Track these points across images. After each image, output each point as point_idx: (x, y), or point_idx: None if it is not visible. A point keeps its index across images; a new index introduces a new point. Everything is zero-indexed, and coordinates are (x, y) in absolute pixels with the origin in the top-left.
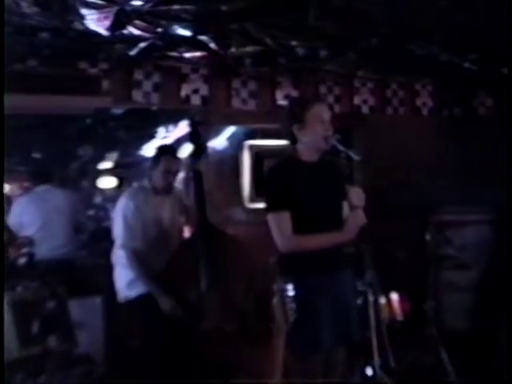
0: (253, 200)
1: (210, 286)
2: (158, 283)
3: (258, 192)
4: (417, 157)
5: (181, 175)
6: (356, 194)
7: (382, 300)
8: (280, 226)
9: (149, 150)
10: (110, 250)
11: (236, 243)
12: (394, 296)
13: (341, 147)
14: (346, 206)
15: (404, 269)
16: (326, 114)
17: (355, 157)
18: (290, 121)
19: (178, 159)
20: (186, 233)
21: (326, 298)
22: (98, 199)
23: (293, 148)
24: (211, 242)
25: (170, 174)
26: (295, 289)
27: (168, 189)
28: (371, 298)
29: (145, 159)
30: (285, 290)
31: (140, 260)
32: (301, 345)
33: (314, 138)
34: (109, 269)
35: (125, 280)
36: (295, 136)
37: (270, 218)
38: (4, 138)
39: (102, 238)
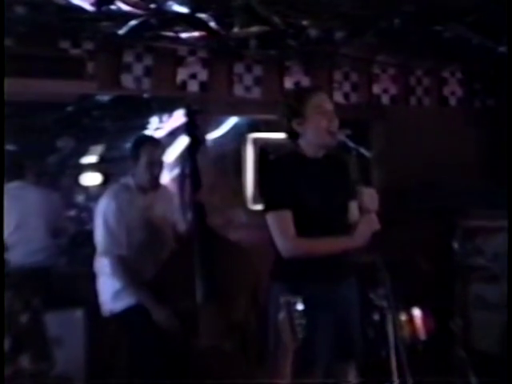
0: (257, 201)
1: (207, 299)
2: (149, 291)
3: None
4: (443, 154)
5: (175, 172)
6: (369, 196)
7: (403, 316)
8: (282, 227)
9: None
10: (93, 256)
11: (238, 249)
12: (417, 312)
13: (350, 143)
14: (353, 208)
15: (428, 281)
16: (328, 104)
17: (367, 153)
18: (287, 116)
19: (161, 148)
20: (180, 237)
21: (326, 310)
22: (80, 198)
23: (294, 143)
24: (209, 248)
25: (154, 165)
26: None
27: (154, 184)
28: (389, 314)
29: None
30: (293, 304)
31: (126, 268)
32: (296, 362)
33: (316, 133)
34: (92, 278)
35: (110, 291)
36: (295, 132)
37: (270, 217)
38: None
39: (85, 242)
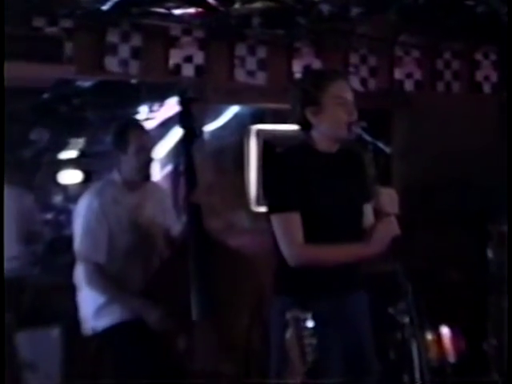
0: (261, 202)
1: (204, 315)
2: (134, 294)
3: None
4: (474, 148)
5: (167, 169)
6: (388, 197)
7: (429, 335)
8: (288, 231)
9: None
10: (72, 265)
11: (239, 258)
12: (445, 331)
13: (367, 137)
14: (369, 211)
15: (457, 295)
16: (349, 94)
17: (385, 149)
18: (301, 103)
19: (149, 133)
20: (173, 243)
21: (335, 327)
22: (57, 199)
23: (306, 135)
24: (206, 256)
25: (144, 152)
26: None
27: (145, 176)
28: (412, 332)
29: None
30: (302, 321)
31: (104, 277)
32: None
33: (333, 125)
34: (71, 291)
35: (92, 306)
36: (309, 121)
37: (276, 220)
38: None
39: (63, 249)
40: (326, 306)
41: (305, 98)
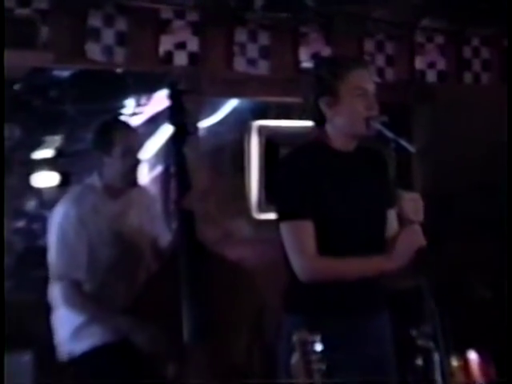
0: (263, 208)
1: (198, 337)
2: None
3: (271, 196)
4: (506, 148)
5: (156, 170)
6: (411, 203)
7: (454, 361)
8: (300, 241)
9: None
10: (46, 281)
11: (238, 271)
12: (473, 356)
13: (389, 133)
14: (391, 218)
15: (486, 314)
16: (370, 85)
17: (409, 147)
18: (315, 92)
19: (137, 133)
20: (161, 255)
21: (351, 351)
22: (30, 205)
23: (320, 131)
24: (200, 270)
25: (132, 155)
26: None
27: (131, 181)
28: (437, 357)
29: None
30: (310, 344)
31: (83, 296)
32: None
33: (350, 119)
34: (45, 310)
35: (70, 327)
36: (323, 114)
37: (285, 229)
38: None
39: (36, 262)
40: (341, 328)
41: (320, 87)
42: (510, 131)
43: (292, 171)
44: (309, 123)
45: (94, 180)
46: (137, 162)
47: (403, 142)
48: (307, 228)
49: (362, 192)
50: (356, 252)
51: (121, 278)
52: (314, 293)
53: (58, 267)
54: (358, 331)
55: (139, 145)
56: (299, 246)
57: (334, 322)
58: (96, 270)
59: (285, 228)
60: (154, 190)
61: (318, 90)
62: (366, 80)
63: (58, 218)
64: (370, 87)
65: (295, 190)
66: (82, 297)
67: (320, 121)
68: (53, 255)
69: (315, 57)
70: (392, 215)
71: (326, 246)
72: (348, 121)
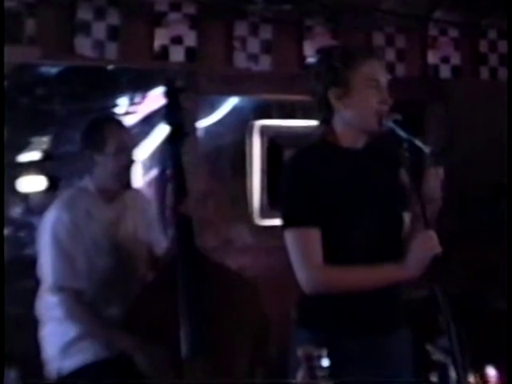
0: (266, 214)
1: (196, 352)
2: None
3: (274, 201)
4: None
5: (151, 173)
6: (435, 178)
7: (472, 377)
8: (305, 251)
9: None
10: (34, 293)
11: (240, 282)
12: (491, 371)
13: (401, 132)
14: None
15: (505, 327)
16: (383, 77)
17: (424, 148)
18: (324, 82)
19: (130, 131)
20: (156, 263)
21: (365, 370)
22: (16, 211)
23: (326, 128)
24: (199, 280)
25: (125, 152)
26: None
27: (125, 182)
28: (453, 373)
29: None
30: (315, 359)
31: (87, 307)
32: None
33: (361, 112)
34: (32, 325)
35: (59, 342)
36: (331, 107)
37: (290, 237)
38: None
39: (22, 273)
40: (355, 345)
41: (330, 77)
42: (510, 131)
43: (297, 174)
44: (314, 123)
45: (86, 182)
46: (130, 161)
47: (417, 142)
48: (314, 236)
49: (373, 193)
50: (369, 260)
51: (116, 288)
52: (327, 307)
53: (55, 277)
54: (372, 348)
55: (133, 143)
56: (304, 255)
57: (348, 338)
58: (91, 279)
59: (290, 235)
60: (150, 194)
61: (327, 80)
62: (379, 71)
63: (50, 223)
64: (383, 80)
65: (301, 195)
66: (83, 309)
67: (326, 117)
68: (48, 264)
69: (322, 50)
70: (406, 219)
71: (336, 253)
72: (358, 114)
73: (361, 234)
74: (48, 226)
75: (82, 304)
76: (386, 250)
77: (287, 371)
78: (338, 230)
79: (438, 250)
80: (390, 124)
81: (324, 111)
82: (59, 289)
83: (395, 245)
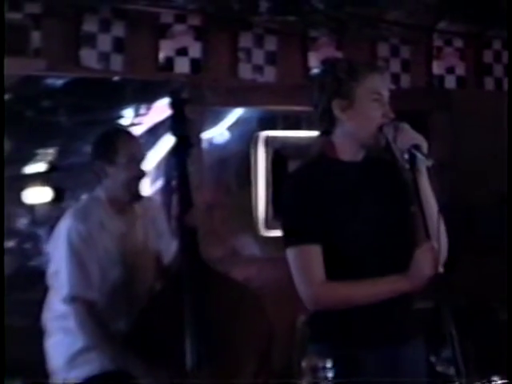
0: (271, 225)
1: (202, 363)
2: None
3: (279, 212)
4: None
5: (157, 184)
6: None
7: None
8: (307, 269)
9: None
10: (40, 304)
11: (244, 293)
12: (498, 382)
13: (420, 155)
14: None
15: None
16: (386, 92)
17: (426, 161)
18: (329, 93)
19: (140, 142)
20: (163, 272)
21: (380, 381)
22: (22, 222)
23: (325, 141)
24: (205, 291)
25: (136, 163)
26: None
27: (136, 193)
28: None
29: None
30: (321, 370)
31: (99, 319)
32: None
33: (364, 125)
34: (38, 336)
35: (66, 354)
36: (334, 119)
37: (291, 254)
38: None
39: (28, 284)
40: (367, 355)
41: (334, 88)
42: (510, 131)
43: (298, 191)
44: (317, 133)
45: (99, 193)
46: (141, 172)
47: (419, 154)
48: (315, 253)
49: (374, 206)
50: (373, 273)
51: (124, 300)
52: (337, 320)
53: (70, 287)
54: (385, 360)
55: (142, 154)
56: (306, 272)
57: (359, 350)
58: (102, 290)
59: (291, 253)
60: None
61: (331, 91)
62: (382, 85)
63: (65, 233)
64: (386, 93)
65: (302, 212)
66: (94, 321)
67: (328, 129)
68: (64, 274)
69: (326, 61)
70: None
71: (339, 268)
72: (361, 126)
73: (363, 248)
74: (64, 235)
75: (94, 316)
76: (389, 262)
77: (291, 382)
78: (339, 244)
79: (436, 265)
80: (389, 135)
81: (326, 123)
82: (73, 299)
83: (398, 256)
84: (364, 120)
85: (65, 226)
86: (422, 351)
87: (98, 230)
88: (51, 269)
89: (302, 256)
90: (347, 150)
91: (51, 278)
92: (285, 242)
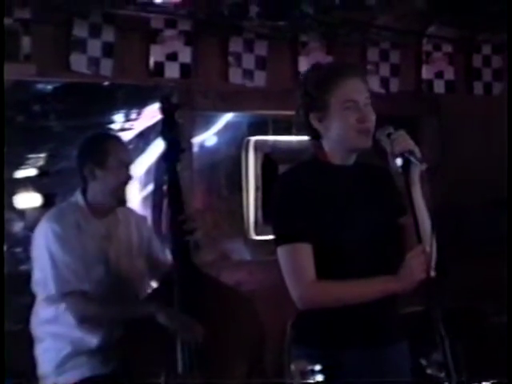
0: (261, 229)
1: (192, 367)
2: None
3: (269, 217)
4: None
5: (147, 189)
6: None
7: None
8: (297, 268)
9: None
10: (29, 308)
11: (236, 297)
12: None
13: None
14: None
15: (501, 342)
16: (361, 95)
17: (419, 164)
18: (304, 107)
19: (128, 147)
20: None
21: (365, 381)
22: (14, 227)
23: (316, 145)
24: (196, 295)
25: (125, 168)
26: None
27: (121, 198)
28: None
29: None
30: (310, 373)
31: (97, 301)
32: None
33: (342, 133)
34: (28, 341)
35: (55, 359)
36: (315, 129)
37: (282, 254)
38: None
39: (17, 289)
40: (351, 357)
41: (308, 102)
42: (510, 131)
43: (288, 192)
44: (308, 138)
45: (77, 197)
46: (128, 178)
47: (412, 157)
48: (305, 252)
49: (364, 208)
50: (363, 274)
51: (109, 301)
52: (322, 322)
53: (58, 285)
54: (369, 361)
55: (130, 159)
56: (297, 271)
57: (344, 351)
58: (90, 287)
59: (282, 252)
60: (146, 210)
61: (306, 105)
62: (355, 90)
63: (41, 235)
64: (361, 98)
65: (292, 212)
66: (94, 303)
67: (315, 135)
68: (46, 275)
69: (316, 68)
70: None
71: (329, 269)
72: (340, 135)
73: (351, 250)
74: (39, 238)
75: (90, 300)
76: (378, 265)
77: None
78: (329, 245)
79: (426, 269)
80: (382, 138)
81: (310, 132)
82: (64, 295)
83: (388, 259)
84: (340, 129)
85: (39, 229)
86: (407, 354)
87: (74, 231)
88: (35, 275)
89: (292, 255)
90: (336, 154)
91: (36, 285)
92: (275, 241)
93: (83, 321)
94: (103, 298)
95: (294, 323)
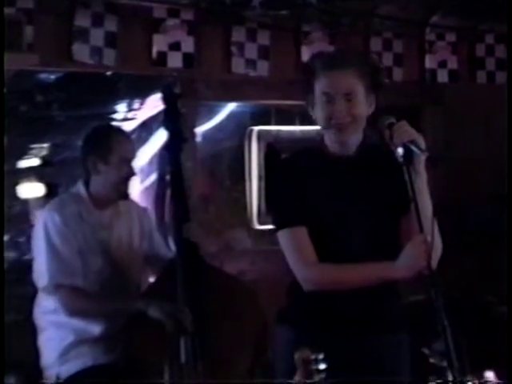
0: (264, 218)
1: (195, 357)
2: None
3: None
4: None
5: (150, 179)
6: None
7: (470, 381)
8: (299, 249)
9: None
10: (32, 299)
11: (238, 286)
12: (490, 375)
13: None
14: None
15: (503, 331)
16: (339, 89)
17: (420, 153)
18: (303, 94)
19: (133, 142)
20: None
21: (352, 373)
22: (16, 217)
23: (318, 134)
24: (199, 285)
25: (128, 163)
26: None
27: (123, 192)
28: (450, 377)
29: None
30: (313, 362)
31: (89, 296)
32: None
33: (322, 126)
34: (30, 331)
35: (58, 348)
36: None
37: (283, 238)
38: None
39: (21, 279)
40: (342, 347)
41: (303, 88)
42: (510, 131)
43: (285, 177)
44: (312, 128)
45: (79, 188)
46: (131, 172)
47: (413, 147)
48: (304, 235)
49: (359, 198)
50: (354, 262)
51: (110, 291)
52: (314, 306)
53: (50, 275)
54: (361, 349)
55: (134, 155)
56: (299, 253)
57: (335, 340)
58: (87, 279)
59: (282, 237)
60: (148, 200)
61: (303, 92)
62: (332, 84)
63: (41, 224)
64: (339, 91)
65: (289, 197)
66: (83, 299)
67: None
68: (42, 264)
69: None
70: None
71: (328, 255)
72: (321, 126)
73: (345, 237)
74: (39, 227)
75: (81, 295)
76: (378, 252)
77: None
78: (322, 230)
79: (430, 251)
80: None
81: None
82: (55, 287)
83: (385, 248)
84: (319, 120)
85: (40, 218)
86: (405, 343)
87: (75, 221)
88: (35, 265)
89: (293, 238)
90: (332, 143)
91: (35, 272)
92: (275, 225)
93: (72, 315)
94: (99, 291)
95: (281, 309)
